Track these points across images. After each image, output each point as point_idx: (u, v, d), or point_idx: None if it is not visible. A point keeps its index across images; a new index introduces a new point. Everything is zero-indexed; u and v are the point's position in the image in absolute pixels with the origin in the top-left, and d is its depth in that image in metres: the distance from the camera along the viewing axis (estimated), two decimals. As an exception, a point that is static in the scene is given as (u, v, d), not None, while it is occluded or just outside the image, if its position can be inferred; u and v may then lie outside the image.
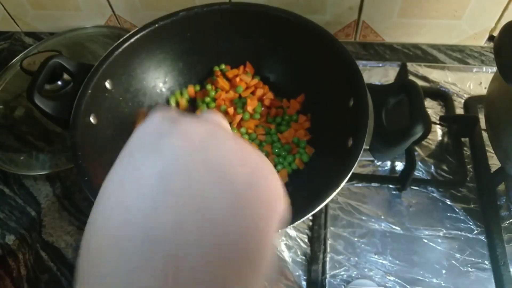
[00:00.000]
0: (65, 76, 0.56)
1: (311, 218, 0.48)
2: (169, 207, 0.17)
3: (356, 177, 0.51)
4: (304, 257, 0.46)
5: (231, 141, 0.20)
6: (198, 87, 0.56)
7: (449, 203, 0.48)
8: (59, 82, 0.56)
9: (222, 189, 0.18)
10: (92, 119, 0.44)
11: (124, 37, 0.48)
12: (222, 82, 0.54)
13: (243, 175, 0.19)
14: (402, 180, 0.48)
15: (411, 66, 0.60)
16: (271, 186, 0.20)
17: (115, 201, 0.18)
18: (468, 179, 0.50)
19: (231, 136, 0.21)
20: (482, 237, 0.46)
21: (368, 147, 0.39)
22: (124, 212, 0.17)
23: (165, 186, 0.17)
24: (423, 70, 0.60)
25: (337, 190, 0.37)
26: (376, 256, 0.46)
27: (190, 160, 0.18)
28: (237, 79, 0.54)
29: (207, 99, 0.54)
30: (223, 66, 0.56)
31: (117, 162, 0.20)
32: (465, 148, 0.52)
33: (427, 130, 0.53)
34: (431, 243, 0.46)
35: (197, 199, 0.17)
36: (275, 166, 0.49)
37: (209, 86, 0.55)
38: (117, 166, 0.20)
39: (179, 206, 0.17)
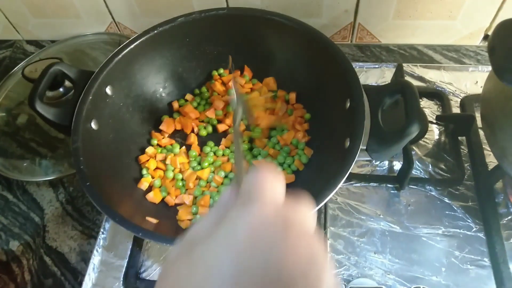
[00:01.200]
0: (67, 83, 0.57)
1: (311, 218, 0.49)
2: None
3: (355, 177, 0.51)
4: (304, 258, 0.47)
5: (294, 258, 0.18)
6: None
7: (447, 201, 0.49)
8: (61, 89, 0.57)
9: None
10: (93, 125, 0.45)
11: (124, 44, 0.49)
12: (219, 86, 0.55)
13: None
14: (400, 179, 0.49)
15: (407, 67, 0.61)
16: None
17: None
18: (465, 177, 0.50)
19: (295, 250, 0.18)
20: (481, 235, 0.46)
21: (365, 147, 0.39)
22: None
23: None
24: (419, 70, 0.60)
25: (335, 190, 0.37)
26: (376, 255, 0.46)
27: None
28: (230, 83, 0.55)
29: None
30: (221, 71, 0.57)
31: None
32: (462, 147, 0.53)
33: (424, 130, 0.53)
34: (430, 241, 0.46)
35: None
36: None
37: (204, 89, 0.56)
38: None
39: None
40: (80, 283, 0.46)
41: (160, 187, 0.50)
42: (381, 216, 0.49)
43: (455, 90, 0.58)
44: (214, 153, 0.52)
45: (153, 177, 0.50)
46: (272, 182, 0.20)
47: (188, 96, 0.56)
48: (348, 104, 0.43)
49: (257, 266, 0.17)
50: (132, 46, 0.49)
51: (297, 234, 0.18)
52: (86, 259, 0.49)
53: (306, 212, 0.20)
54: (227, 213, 0.19)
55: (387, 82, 0.60)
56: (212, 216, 0.21)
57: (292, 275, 0.17)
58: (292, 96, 0.54)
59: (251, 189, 0.20)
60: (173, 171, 0.50)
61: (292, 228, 0.18)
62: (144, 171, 0.50)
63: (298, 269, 0.17)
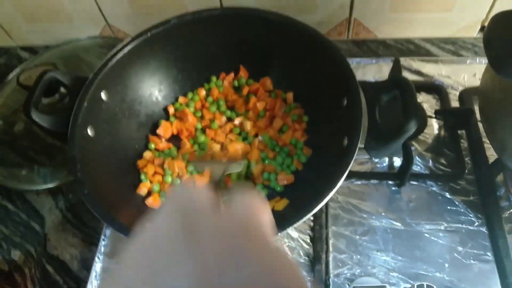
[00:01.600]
0: (62, 89, 0.56)
1: (312, 218, 0.49)
2: None
3: (355, 175, 0.51)
4: (307, 258, 0.47)
5: (255, 261, 0.17)
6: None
7: (448, 196, 0.49)
8: (56, 96, 0.56)
9: None
10: (89, 131, 0.45)
11: (117, 48, 0.48)
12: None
13: None
14: (401, 176, 0.49)
15: (405, 61, 0.60)
16: None
17: None
18: (466, 171, 0.50)
19: (257, 250, 0.17)
20: (483, 229, 0.46)
21: (363, 146, 0.39)
22: None
23: None
24: (416, 64, 0.60)
25: (335, 189, 0.37)
26: (378, 253, 0.46)
27: None
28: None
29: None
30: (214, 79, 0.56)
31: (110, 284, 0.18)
32: (462, 141, 0.52)
33: (423, 125, 0.53)
34: (432, 237, 0.46)
35: None
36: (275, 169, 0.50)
37: (190, 95, 0.55)
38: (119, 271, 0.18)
39: None
40: (83, 291, 0.46)
41: (159, 192, 0.49)
42: (382, 213, 0.48)
43: (453, 83, 0.58)
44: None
45: (151, 182, 0.50)
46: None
47: (181, 99, 0.56)
48: (345, 102, 0.43)
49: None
50: (125, 50, 0.48)
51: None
52: (88, 267, 0.49)
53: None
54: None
55: (384, 77, 0.59)
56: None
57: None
58: (290, 95, 0.54)
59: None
60: (171, 175, 0.50)
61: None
62: (143, 176, 0.50)
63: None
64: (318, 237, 0.47)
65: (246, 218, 0.19)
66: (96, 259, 0.48)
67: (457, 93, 0.56)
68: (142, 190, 0.49)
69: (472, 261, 0.44)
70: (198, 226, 0.18)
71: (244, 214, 0.19)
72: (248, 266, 0.16)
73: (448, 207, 0.48)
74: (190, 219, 0.18)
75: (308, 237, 0.48)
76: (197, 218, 0.18)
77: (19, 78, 0.59)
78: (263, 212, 0.20)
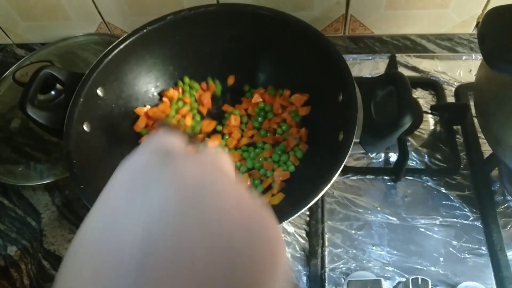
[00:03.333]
0: (58, 85, 0.56)
1: (308, 213, 0.49)
2: (155, 270, 0.15)
3: (351, 170, 0.51)
4: (303, 252, 0.47)
5: (228, 187, 0.18)
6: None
7: (444, 191, 0.49)
8: (53, 92, 0.56)
9: (216, 247, 0.16)
10: (85, 127, 0.45)
11: (113, 44, 0.48)
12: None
13: (240, 228, 0.17)
14: (396, 171, 0.49)
15: (401, 57, 0.60)
16: (271, 238, 0.18)
17: (89, 260, 0.16)
18: (461, 166, 0.50)
19: (228, 181, 0.19)
20: (478, 223, 0.46)
21: (358, 140, 0.39)
22: (99, 278, 0.15)
23: (150, 247, 0.15)
24: (413, 60, 0.60)
25: (331, 183, 0.37)
26: (374, 248, 0.46)
27: (180, 211, 0.16)
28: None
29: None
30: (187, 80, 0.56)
31: (100, 202, 0.18)
32: (458, 136, 0.52)
33: (419, 120, 0.53)
34: (427, 232, 0.46)
35: (187, 261, 0.15)
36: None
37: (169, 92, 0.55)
38: (100, 208, 0.18)
39: (166, 271, 0.14)
40: (79, 286, 0.46)
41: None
42: (378, 208, 0.49)
43: (449, 79, 0.58)
44: None
45: None
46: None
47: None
48: (341, 97, 0.43)
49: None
50: (121, 47, 0.48)
51: (180, 158, 0.19)
52: (84, 262, 0.49)
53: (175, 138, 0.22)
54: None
55: (381, 73, 0.60)
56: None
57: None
58: (286, 93, 0.54)
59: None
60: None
61: (172, 155, 0.19)
62: None
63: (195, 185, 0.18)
64: (314, 232, 0.47)
65: (215, 161, 0.21)
66: (93, 254, 0.48)
67: (453, 89, 0.57)
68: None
69: (466, 255, 0.45)
70: (175, 157, 0.20)
71: (213, 159, 0.21)
72: (223, 192, 0.18)
73: (443, 202, 0.48)
74: (168, 152, 0.20)
75: (304, 231, 0.48)
76: (174, 153, 0.20)
77: (15, 75, 0.59)
78: (228, 162, 0.22)
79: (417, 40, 0.64)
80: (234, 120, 0.53)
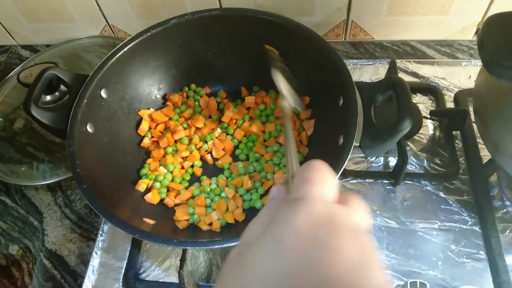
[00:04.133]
0: (62, 87, 0.57)
1: (307, 216, 0.49)
2: None
3: (351, 174, 0.51)
4: (302, 255, 0.47)
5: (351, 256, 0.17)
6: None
7: (442, 195, 0.49)
8: (57, 93, 0.57)
9: None
10: (89, 128, 0.45)
11: (117, 47, 0.49)
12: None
13: None
14: (396, 175, 0.49)
15: (401, 63, 0.61)
16: None
17: None
18: (460, 171, 0.50)
19: (354, 245, 0.17)
20: (477, 228, 0.47)
21: (358, 144, 0.40)
22: None
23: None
24: (413, 66, 0.61)
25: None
26: (372, 251, 0.46)
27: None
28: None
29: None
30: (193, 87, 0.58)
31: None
32: (457, 141, 0.53)
33: (418, 125, 0.54)
34: (426, 236, 0.47)
35: None
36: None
37: (175, 97, 0.56)
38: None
39: None
40: (80, 286, 0.47)
41: (159, 189, 0.50)
42: (377, 212, 0.49)
43: (449, 85, 0.58)
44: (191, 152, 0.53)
45: (151, 171, 0.51)
46: (322, 177, 0.20)
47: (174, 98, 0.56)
48: (341, 102, 0.44)
49: (303, 271, 0.16)
50: (125, 49, 0.49)
51: (347, 234, 0.17)
52: (85, 262, 0.50)
53: (359, 210, 0.20)
54: (277, 212, 0.19)
55: (381, 79, 0.60)
56: (263, 215, 0.20)
57: (339, 277, 0.16)
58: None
59: (300, 184, 0.20)
60: (170, 171, 0.51)
61: (342, 228, 0.18)
62: (144, 170, 0.51)
63: (346, 271, 0.16)
64: (313, 235, 0.48)
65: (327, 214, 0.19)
66: (94, 254, 0.48)
67: (452, 95, 0.57)
68: (141, 186, 0.49)
69: (465, 260, 0.45)
70: (278, 216, 0.19)
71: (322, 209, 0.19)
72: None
73: (442, 206, 0.48)
74: (273, 210, 0.20)
75: (303, 234, 0.48)
76: (278, 211, 0.19)
77: (19, 76, 0.59)
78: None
79: (417, 46, 0.64)
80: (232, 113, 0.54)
